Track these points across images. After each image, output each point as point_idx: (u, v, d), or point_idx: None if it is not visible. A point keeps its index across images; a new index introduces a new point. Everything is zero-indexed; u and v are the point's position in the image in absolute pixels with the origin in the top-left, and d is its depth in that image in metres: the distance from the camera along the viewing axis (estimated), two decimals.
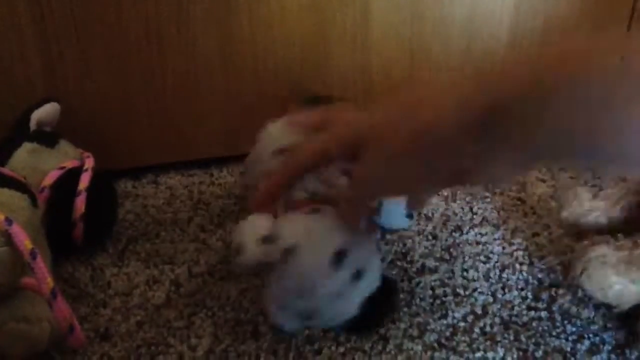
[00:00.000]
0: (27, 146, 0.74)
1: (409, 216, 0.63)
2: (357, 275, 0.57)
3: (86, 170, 0.74)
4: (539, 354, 0.60)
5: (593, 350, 0.60)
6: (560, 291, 0.67)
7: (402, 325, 0.64)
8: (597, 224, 0.64)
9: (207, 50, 0.85)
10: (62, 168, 0.73)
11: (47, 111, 0.78)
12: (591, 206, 0.64)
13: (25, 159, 0.73)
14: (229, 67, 0.87)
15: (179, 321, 0.65)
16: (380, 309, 0.62)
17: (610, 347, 0.60)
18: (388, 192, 0.51)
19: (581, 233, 0.65)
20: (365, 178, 0.51)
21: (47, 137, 0.76)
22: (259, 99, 0.84)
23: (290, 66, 0.89)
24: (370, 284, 0.59)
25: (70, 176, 0.73)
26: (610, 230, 0.63)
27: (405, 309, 0.66)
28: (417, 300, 0.67)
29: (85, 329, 0.65)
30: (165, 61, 0.84)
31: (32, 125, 0.76)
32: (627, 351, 0.59)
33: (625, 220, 0.63)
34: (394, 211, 0.55)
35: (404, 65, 0.92)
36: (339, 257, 0.56)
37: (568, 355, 0.60)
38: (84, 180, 0.73)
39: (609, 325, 0.62)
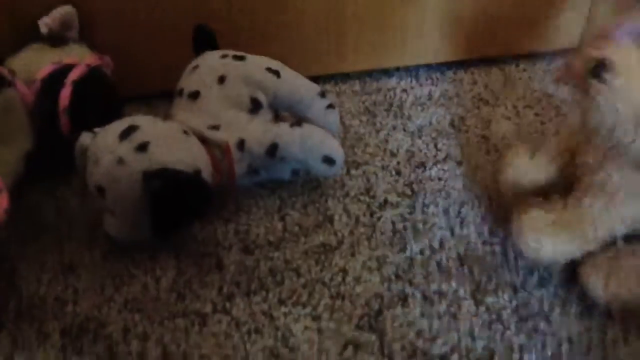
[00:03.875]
0: (31, 46, 0.76)
1: (294, 173, 0.73)
2: (142, 147, 0.62)
3: (78, 65, 0.74)
4: (491, 286, 0.63)
5: (542, 282, 0.63)
6: None
7: (362, 258, 0.66)
8: (534, 184, 0.66)
9: None
10: (57, 63, 0.73)
11: (54, 16, 0.78)
12: (528, 167, 0.67)
13: (23, 56, 0.75)
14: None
15: (143, 253, 0.66)
16: (188, 208, 0.65)
17: (557, 280, 0.63)
18: None
19: (520, 193, 0.67)
20: None
21: (53, 38, 0.77)
22: (231, 33, 0.82)
23: (263, 12, 0.86)
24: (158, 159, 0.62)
25: (65, 71, 0.73)
26: (548, 189, 0.66)
27: (366, 243, 0.68)
28: (378, 234, 0.69)
29: (49, 261, 0.66)
30: None
31: (43, 29, 0.77)
32: (572, 284, 0.62)
33: (560, 178, 0.66)
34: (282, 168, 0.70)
35: (377, 11, 0.90)
36: (127, 130, 0.63)
37: (518, 287, 0.63)
38: (73, 74, 0.73)
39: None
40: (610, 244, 0.60)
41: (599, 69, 0.53)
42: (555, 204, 0.61)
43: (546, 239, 0.59)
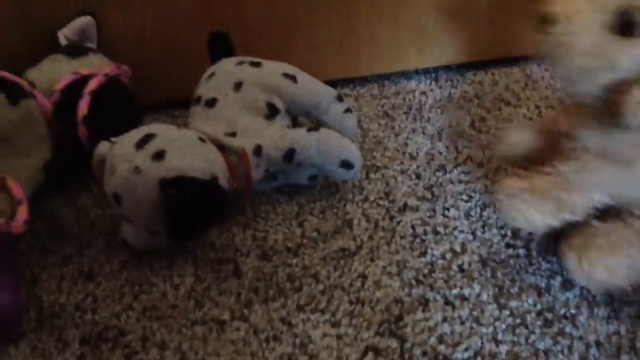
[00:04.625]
0: (50, 57, 0.77)
1: (312, 178, 0.73)
2: (158, 155, 0.62)
3: (96, 75, 0.74)
4: (515, 290, 0.61)
5: (566, 286, 0.61)
6: None
7: (381, 263, 0.65)
8: (523, 155, 0.68)
9: None
10: (76, 74, 0.74)
11: (73, 27, 0.80)
12: (518, 140, 0.68)
13: (42, 67, 0.75)
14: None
15: (161, 261, 0.66)
16: (205, 215, 0.64)
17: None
18: None
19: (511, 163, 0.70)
20: None
21: (72, 49, 0.78)
22: (246, 39, 0.82)
23: (277, 17, 0.86)
24: (174, 167, 0.62)
25: (84, 82, 0.74)
26: (534, 160, 0.66)
27: (385, 247, 0.67)
28: (397, 239, 0.68)
29: (70, 269, 0.66)
30: None
31: (62, 40, 0.79)
32: None
33: (545, 149, 0.66)
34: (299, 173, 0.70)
35: (391, 12, 0.89)
36: (144, 139, 0.63)
37: (542, 291, 0.61)
38: (91, 84, 0.73)
39: None
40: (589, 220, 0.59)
41: (543, 23, 0.53)
42: (533, 173, 0.61)
43: (522, 206, 0.59)
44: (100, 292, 0.63)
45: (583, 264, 0.56)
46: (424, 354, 0.56)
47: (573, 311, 0.59)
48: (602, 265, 0.55)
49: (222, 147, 0.68)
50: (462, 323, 0.59)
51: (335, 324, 0.59)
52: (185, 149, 0.64)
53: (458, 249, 0.66)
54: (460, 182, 0.75)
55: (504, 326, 0.58)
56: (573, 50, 0.54)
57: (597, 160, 0.58)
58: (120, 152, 0.63)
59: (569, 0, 0.54)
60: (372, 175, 0.77)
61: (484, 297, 0.61)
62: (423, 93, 0.93)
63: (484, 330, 0.58)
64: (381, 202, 0.73)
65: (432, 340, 0.57)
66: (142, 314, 0.61)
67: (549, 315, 0.58)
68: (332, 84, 0.79)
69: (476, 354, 0.56)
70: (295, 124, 0.76)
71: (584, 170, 0.58)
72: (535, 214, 0.58)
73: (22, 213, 0.62)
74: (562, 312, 0.59)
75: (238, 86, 0.72)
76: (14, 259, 0.65)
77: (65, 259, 0.67)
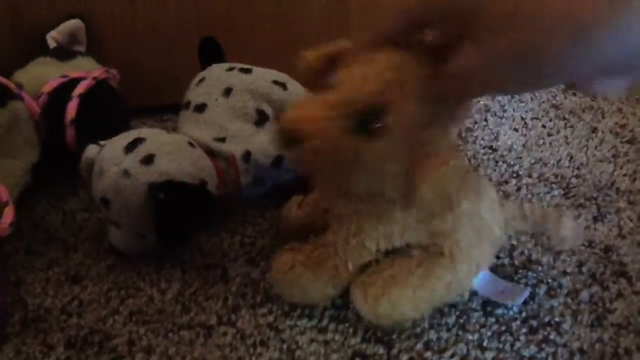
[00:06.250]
0: (39, 60, 0.77)
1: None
2: (147, 159, 0.62)
3: (85, 78, 0.74)
4: None
5: (551, 294, 0.62)
6: (523, 238, 0.68)
7: None
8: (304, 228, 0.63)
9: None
10: (64, 77, 0.74)
11: (61, 30, 0.80)
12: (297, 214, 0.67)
13: (31, 69, 0.76)
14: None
15: (148, 265, 0.66)
16: (193, 220, 0.65)
17: (566, 291, 0.62)
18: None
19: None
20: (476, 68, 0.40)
21: (61, 52, 0.78)
22: (232, 39, 0.82)
23: (267, 22, 0.87)
24: (163, 171, 0.62)
25: (72, 85, 0.73)
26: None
27: None
28: None
29: (55, 272, 0.66)
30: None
31: (51, 43, 0.79)
32: (582, 294, 0.61)
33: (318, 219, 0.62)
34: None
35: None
36: (133, 143, 0.62)
37: (527, 299, 0.62)
38: (80, 88, 0.73)
39: (567, 270, 0.64)
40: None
41: (287, 143, 0.46)
42: (307, 245, 0.58)
43: (297, 280, 0.57)
44: (86, 295, 0.63)
45: (368, 300, 0.55)
46: None
47: (557, 319, 0.59)
48: (386, 299, 0.54)
49: (211, 153, 0.69)
50: (449, 330, 0.59)
51: (322, 330, 0.59)
52: (174, 153, 0.64)
53: None
54: None
55: (489, 333, 0.58)
56: (324, 162, 0.47)
57: (355, 222, 0.55)
58: (109, 156, 0.63)
59: (306, 108, 0.47)
60: None
61: (471, 304, 0.61)
62: None
63: (470, 337, 0.58)
64: None
65: (419, 346, 0.57)
66: (128, 318, 0.61)
67: (534, 323, 0.59)
68: None
69: None
70: None
71: (350, 236, 0.55)
72: (313, 286, 0.58)
73: (8, 216, 0.62)
74: (546, 319, 0.59)
75: (228, 92, 0.72)
76: None
77: (50, 262, 0.67)
